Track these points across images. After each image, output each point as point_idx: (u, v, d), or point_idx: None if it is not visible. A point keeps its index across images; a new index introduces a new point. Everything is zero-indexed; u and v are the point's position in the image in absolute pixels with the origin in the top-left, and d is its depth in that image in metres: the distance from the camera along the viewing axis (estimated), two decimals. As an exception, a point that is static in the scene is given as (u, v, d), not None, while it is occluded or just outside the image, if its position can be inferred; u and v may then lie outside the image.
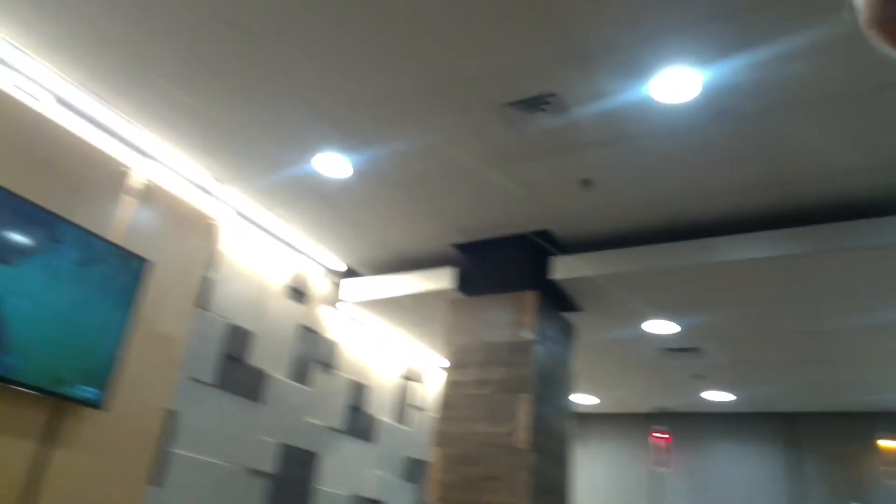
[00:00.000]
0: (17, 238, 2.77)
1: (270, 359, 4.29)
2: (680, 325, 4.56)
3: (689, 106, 2.86)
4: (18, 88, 3.09)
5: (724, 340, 4.79)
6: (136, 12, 2.73)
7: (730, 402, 6.37)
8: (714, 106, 2.83)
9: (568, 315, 4.43)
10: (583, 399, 6.86)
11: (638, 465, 7.03)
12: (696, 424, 6.93)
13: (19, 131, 2.95)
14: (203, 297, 3.83)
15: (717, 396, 6.23)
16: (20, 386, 2.74)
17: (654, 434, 7.04)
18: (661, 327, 4.60)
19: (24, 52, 3.06)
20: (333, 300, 4.91)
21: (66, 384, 2.87)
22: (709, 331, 4.64)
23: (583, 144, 3.21)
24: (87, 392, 2.93)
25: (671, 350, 5.02)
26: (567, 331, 4.36)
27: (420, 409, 5.74)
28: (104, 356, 3.03)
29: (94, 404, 2.97)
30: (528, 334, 3.84)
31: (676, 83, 2.72)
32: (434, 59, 2.77)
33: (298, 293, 4.61)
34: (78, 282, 2.95)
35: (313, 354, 4.67)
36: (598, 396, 6.77)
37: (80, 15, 2.79)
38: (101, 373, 3.00)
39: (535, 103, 2.94)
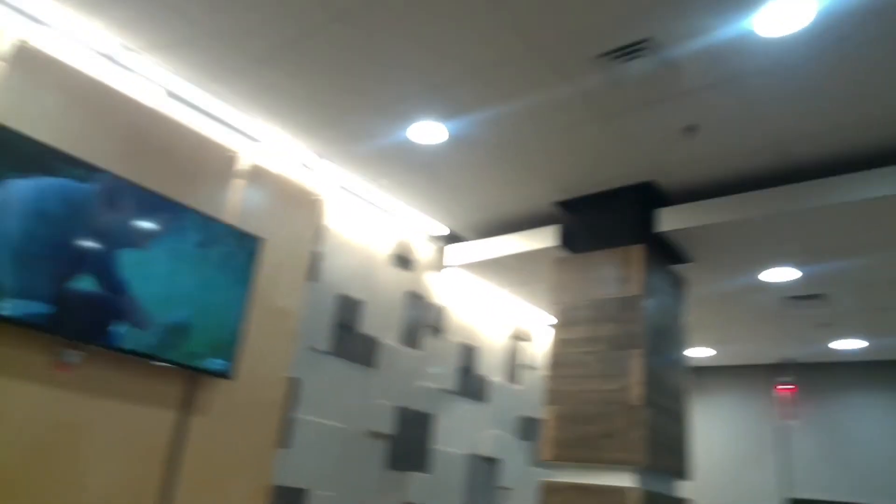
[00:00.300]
0: (144, 225, 3.00)
1: (381, 326, 4.44)
2: (801, 272, 4.29)
3: (800, 37, 2.64)
4: (133, 87, 3.30)
5: (852, 286, 4.47)
6: (233, 8, 2.86)
7: (861, 350, 5.97)
8: (830, 34, 2.60)
9: (678, 267, 4.28)
10: (699, 352, 6.65)
11: (761, 419, 6.76)
12: (824, 375, 6.55)
13: (137, 127, 3.17)
14: (313, 270, 4.00)
15: (846, 345, 5.84)
16: (160, 361, 3.00)
17: (778, 386, 6.73)
18: (780, 275, 4.36)
19: (136, 52, 3.27)
20: (439, 265, 4.99)
21: (198, 358, 3.10)
22: (835, 276, 4.34)
23: (683, 89, 3.05)
24: (216, 364, 3.16)
25: (793, 298, 4.75)
26: (678, 284, 4.22)
27: (531, 367, 5.76)
28: (229, 330, 3.24)
29: (223, 375, 3.20)
30: (636, 289, 3.74)
31: (785, 13, 2.51)
32: (524, 20, 2.71)
33: (404, 260, 4.71)
34: (200, 262, 3.17)
35: (422, 319, 4.78)
36: (714, 349, 6.53)
37: (185, 16, 2.95)
38: (228, 346, 3.23)
39: (630, 51, 2.81)
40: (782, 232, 3.79)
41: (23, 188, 2.63)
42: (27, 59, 2.83)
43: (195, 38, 3.11)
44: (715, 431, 6.93)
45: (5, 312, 2.53)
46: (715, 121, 3.26)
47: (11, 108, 2.74)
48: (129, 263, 2.90)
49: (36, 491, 2.62)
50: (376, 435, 4.24)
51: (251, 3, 2.83)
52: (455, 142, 3.72)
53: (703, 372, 7.19)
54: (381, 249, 4.55)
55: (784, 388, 6.68)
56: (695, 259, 4.25)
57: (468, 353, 5.13)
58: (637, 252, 3.84)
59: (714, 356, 6.77)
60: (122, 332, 2.85)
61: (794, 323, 5.34)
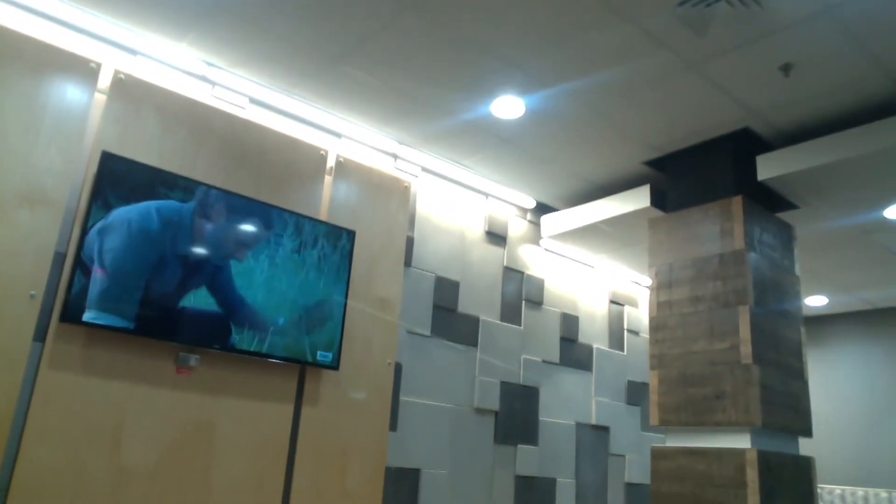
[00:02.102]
0: (246, 235, 3.20)
1: (480, 304, 4.49)
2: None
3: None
4: (223, 101, 3.48)
5: None
6: (309, 15, 2.98)
7: None
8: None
9: (784, 215, 4.06)
10: (812, 301, 6.28)
11: (894, 365, 6.32)
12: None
13: (231, 138, 3.34)
14: (409, 255, 4.09)
15: None
16: (277, 359, 3.21)
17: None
18: (899, 212, 4.05)
19: (220, 67, 3.44)
20: (532, 238, 4.98)
21: (307, 353, 3.29)
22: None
23: (774, 27, 2.87)
24: (325, 357, 3.33)
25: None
26: (785, 232, 4.00)
27: (635, 332, 5.66)
28: (333, 324, 3.40)
29: (331, 367, 3.36)
30: (738, 243, 3.59)
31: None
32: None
33: (497, 237, 4.73)
34: (299, 265, 3.34)
35: (521, 293, 4.79)
36: (827, 297, 6.14)
37: (263, 27, 3.09)
38: (333, 339, 3.39)
39: (710, -6, 2.68)
40: (898, 166, 3.51)
41: (136, 213, 2.86)
42: (124, 88, 3.04)
43: (276, 47, 3.25)
44: (837, 384, 6.55)
45: (135, 329, 2.79)
46: (812, 56, 3.05)
47: (116, 137, 2.97)
48: (236, 273, 3.10)
49: (169, 486, 2.86)
50: (482, 411, 4.32)
51: (326, 7, 2.92)
52: (537, 113, 3.69)
53: (819, 322, 6.79)
54: (473, 228, 4.59)
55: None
56: (801, 204, 4.01)
57: (570, 323, 5.10)
58: (736, 204, 3.68)
59: (828, 304, 6.38)
60: (235, 335, 3.05)
61: (921, 262, 4.95)
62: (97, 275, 2.72)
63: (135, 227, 2.85)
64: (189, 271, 2.97)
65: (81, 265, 2.71)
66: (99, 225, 2.77)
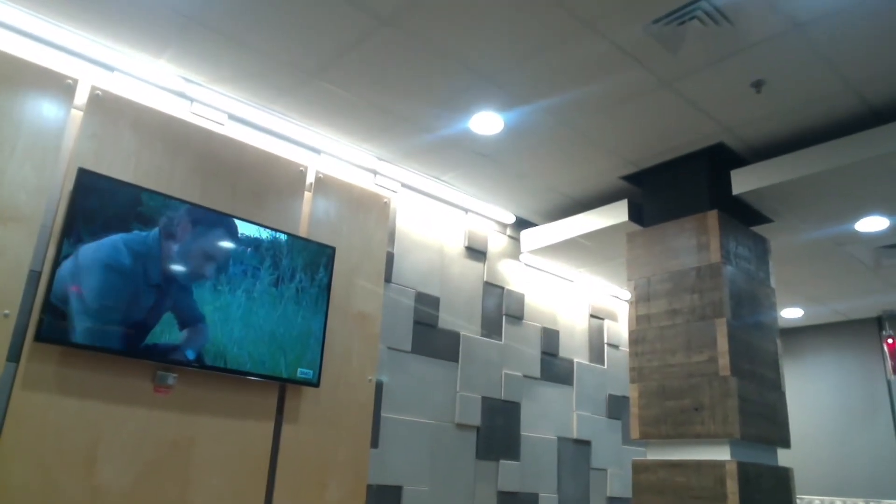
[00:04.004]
0: (224, 259, 3.18)
1: (460, 319, 4.49)
2: (890, 220, 4.03)
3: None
4: (201, 117, 3.46)
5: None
6: (284, 28, 2.98)
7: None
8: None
9: (759, 228, 4.12)
10: (787, 313, 6.37)
11: (867, 376, 6.41)
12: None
13: (209, 154, 3.33)
14: (388, 271, 4.09)
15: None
16: (257, 377, 3.19)
17: (887, 339, 6.36)
18: (870, 225, 4.12)
19: (198, 84, 3.43)
20: (512, 253, 5.00)
21: (288, 370, 3.27)
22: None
23: (745, 45, 2.93)
24: (305, 374, 3.32)
25: (887, 247, 4.48)
26: (760, 245, 4.07)
27: (615, 346, 5.69)
28: (313, 343, 3.39)
29: (311, 384, 3.34)
30: (714, 257, 3.64)
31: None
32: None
33: (477, 252, 4.74)
34: (277, 300, 3.33)
35: (501, 308, 4.80)
36: (803, 309, 6.23)
37: (241, 43, 3.09)
38: (313, 357, 3.38)
39: (684, 12, 2.72)
40: (866, 180, 3.58)
41: (107, 250, 2.83)
42: (101, 105, 3.02)
43: (254, 63, 3.25)
44: (813, 395, 6.63)
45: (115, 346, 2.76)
46: (782, 73, 3.12)
47: (92, 153, 2.94)
48: (214, 307, 3.09)
49: (152, 505, 2.81)
50: (464, 427, 4.31)
51: (304, 23, 2.93)
52: (515, 129, 3.72)
53: (795, 333, 6.88)
54: (452, 243, 4.60)
55: (891, 341, 6.31)
56: (775, 218, 4.08)
57: (550, 338, 5.11)
58: (712, 218, 3.73)
59: (803, 316, 6.47)
60: (211, 354, 3.03)
61: (892, 273, 5.04)
62: (76, 301, 2.68)
63: (109, 264, 2.81)
64: (160, 297, 2.93)
65: (52, 302, 2.65)
66: (69, 264, 2.71)
